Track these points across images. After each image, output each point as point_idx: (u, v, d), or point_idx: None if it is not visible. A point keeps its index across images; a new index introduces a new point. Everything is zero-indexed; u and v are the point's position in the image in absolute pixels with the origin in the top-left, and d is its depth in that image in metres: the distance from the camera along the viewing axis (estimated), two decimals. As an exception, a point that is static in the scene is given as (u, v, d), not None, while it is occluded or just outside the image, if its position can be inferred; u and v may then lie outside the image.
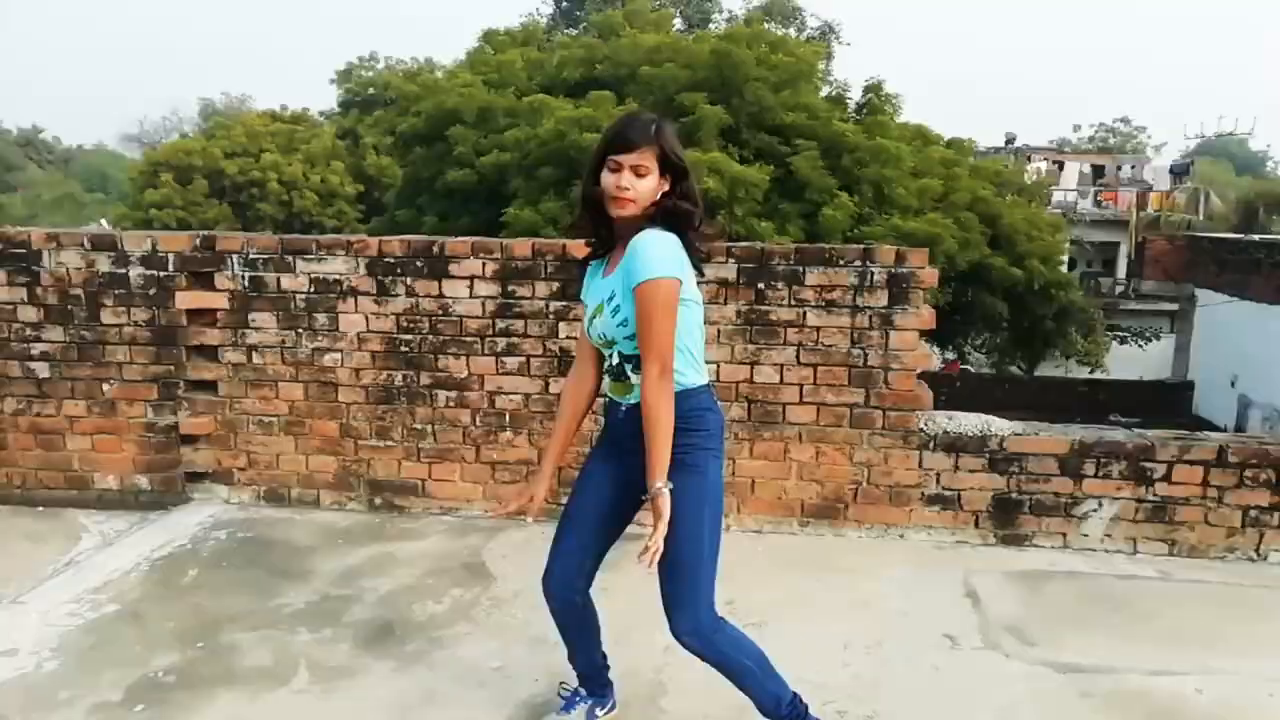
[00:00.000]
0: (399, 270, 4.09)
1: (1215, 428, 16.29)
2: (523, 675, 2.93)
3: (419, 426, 4.20)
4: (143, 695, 2.78)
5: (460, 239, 4.12)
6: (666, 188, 2.23)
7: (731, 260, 3.89)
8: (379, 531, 4.06)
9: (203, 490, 4.36)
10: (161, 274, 4.16)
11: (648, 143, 2.18)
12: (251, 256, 4.15)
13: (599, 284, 2.35)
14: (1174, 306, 21.84)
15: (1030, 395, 18.80)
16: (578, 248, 3.97)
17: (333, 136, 30.91)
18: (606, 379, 2.42)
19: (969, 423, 3.97)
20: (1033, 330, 18.26)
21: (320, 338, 4.18)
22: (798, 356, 3.93)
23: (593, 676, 2.68)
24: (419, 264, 4.08)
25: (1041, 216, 17.47)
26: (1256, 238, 18.82)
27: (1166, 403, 18.50)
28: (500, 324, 4.08)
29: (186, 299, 4.18)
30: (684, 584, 2.30)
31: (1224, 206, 27.83)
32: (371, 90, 32.32)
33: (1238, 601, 3.54)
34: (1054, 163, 31.73)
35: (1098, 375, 21.30)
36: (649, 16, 20.10)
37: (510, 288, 4.04)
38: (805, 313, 3.91)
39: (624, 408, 2.36)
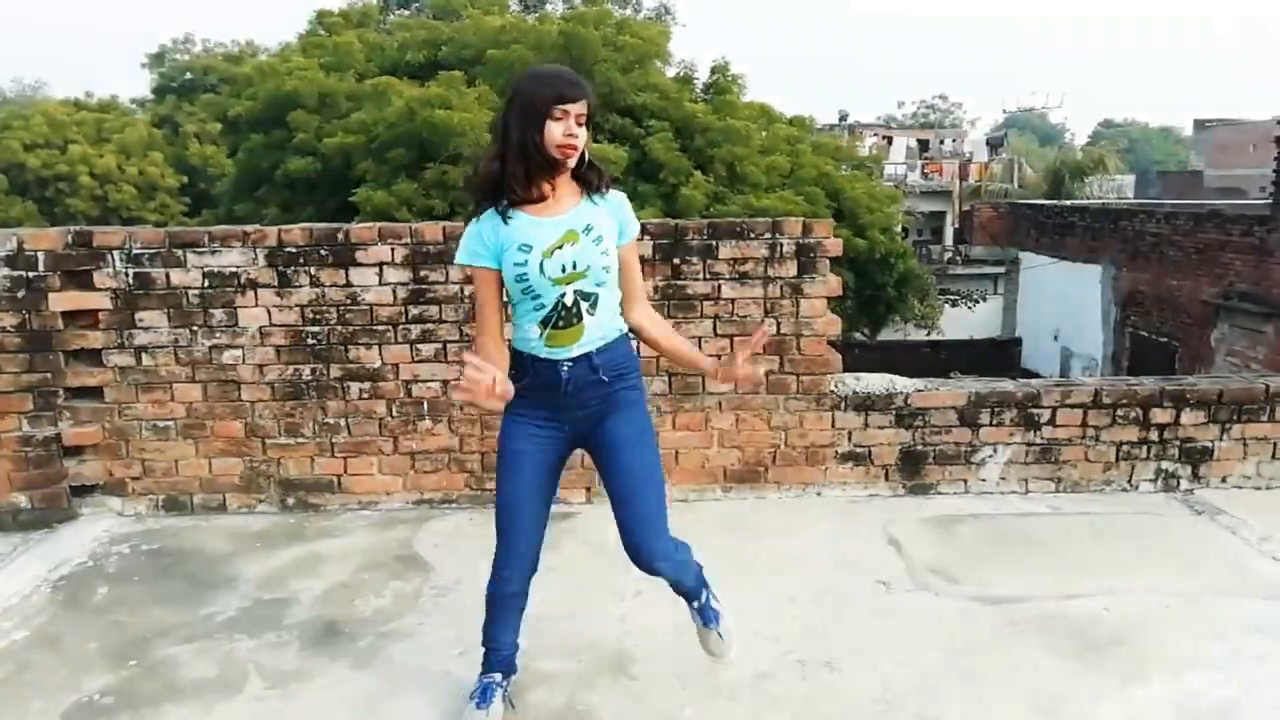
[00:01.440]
0: (301, 260, 3.93)
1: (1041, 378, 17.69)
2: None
3: (331, 421, 4.05)
4: (82, 721, 2.60)
5: (366, 224, 3.99)
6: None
7: (647, 237, 3.94)
8: (297, 532, 3.91)
9: (92, 504, 4.06)
10: (31, 274, 3.83)
11: (587, 95, 2.27)
12: (135, 252, 3.88)
13: (548, 222, 2.28)
14: (998, 270, 23.47)
15: (877, 359, 19.75)
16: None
17: (148, 125, 28.96)
18: (540, 334, 2.32)
19: (875, 383, 4.19)
20: (875, 298, 19.23)
21: (218, 334, 3.96)
22: (714, 328, 4.04)
23: (510, 656, 2.63)
24: (323, 252, 3.93)
25: (880, 190, 18.35)
26: (1069, 203, 20.48)
27: (998, 358, 19.90)
28: (413, 310, 3.98)
29: (61, 300, 3.87)
30: (662, 507, 2.48)
31: (1035, 175, 30.15)
32: (189, 75, 30.43)
33: (1120, 528, 3.90)
34: (883, 138, 33.44)
35: (934, 337, 22.66)
36: (489, -3, 19.74)
37: (422, 273, 3.96)
38: (720, 285, 4.02)
39: (566, 363, 2.33)
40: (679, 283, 4.00)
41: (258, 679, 2.81)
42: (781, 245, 4.01)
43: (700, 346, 4.05)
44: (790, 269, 4.02)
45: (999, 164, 31.19)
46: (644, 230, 3.94)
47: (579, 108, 2.24)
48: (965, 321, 24.32)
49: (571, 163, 2.28)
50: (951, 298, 24.25)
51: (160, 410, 4.00)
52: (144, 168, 27.13)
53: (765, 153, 16.62)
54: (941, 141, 36.67)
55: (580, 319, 2.32)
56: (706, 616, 2.72)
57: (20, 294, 3.83)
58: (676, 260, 3.99)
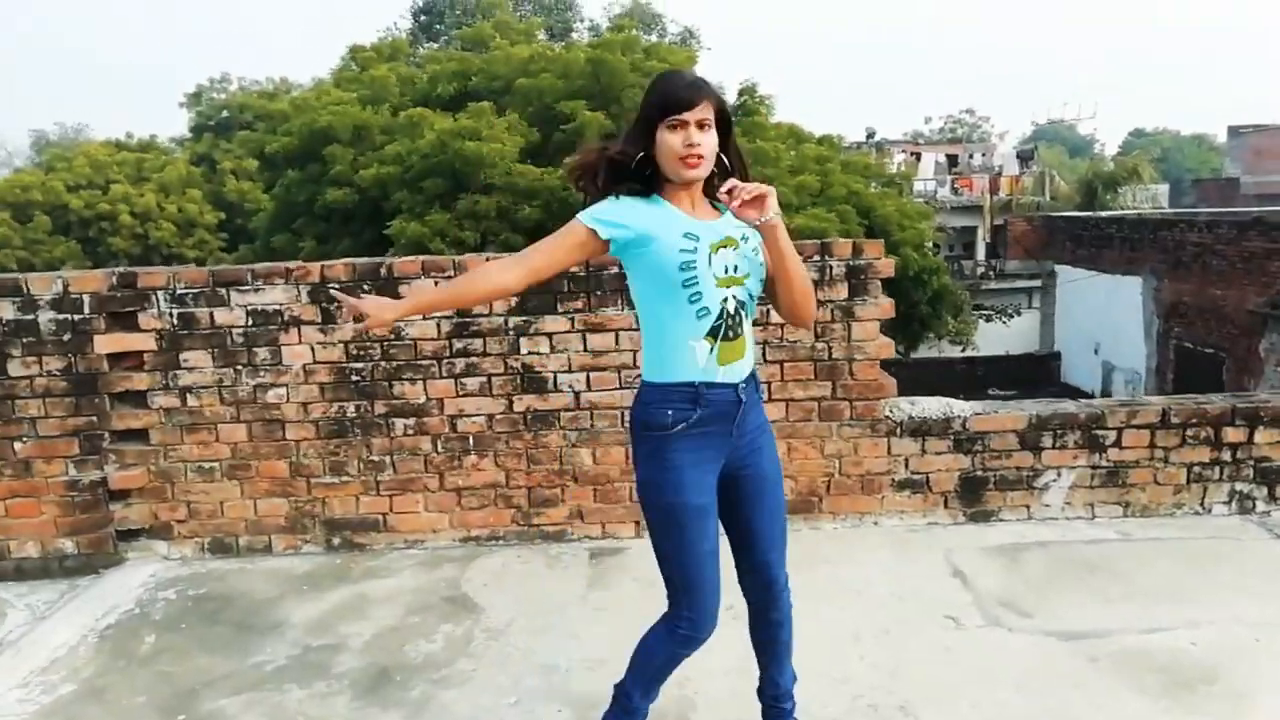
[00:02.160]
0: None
1: (1083, 393, 17.36)
2: (542, 708, 2.80)
3: (376, 458, 3.99)
4: (132, 779, 2.53)
5: (409, 259, 3.94)
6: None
7: (693, 263, 3.85)
8: (343, 573, 3.84)
9: (138, 548, 4.02)
10: (76, 318, 3.82)
11: (706, 96, 2.08)
12: (179, 292, 3.86)
13: (705, 225, 2.12)
14: (1032, 284, 23.15)
15: (913, 377, 19.54)
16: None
17: (186, 163, 29.39)
18: (711, 349, 2.11)
19: (931, 407, 4.06)
20: (909, 315, 19.02)
21: (262, 373, 3.92)
22: (764, 354, 3.93)
23: None
24: (366, 287, 3.88)
25: (910, 206, 18.18)
26: (1104, 214, 20.17)
27: (1037, 373, 19.59)
28: (457, 344, 3.92)
29: (106, 342, 3.85)
30: (784, 545, 2.39)
31: (1067, 187, 29.77)
32: (226, 113, 30.89)
33: (1195, 554, 3.73)
34: (912, 154, 33.24)
35: (970, 353, 22.36)
36: (518, 27, 19.94)
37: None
38: (769, 310, 3.91)
39: (739, 386, 2.16)
40: (727, 309, 3.90)
41: (309, 731, 2.73)
42: (831, 267, 3.90)
43: (750, 374, 3.95)
44: (841, 291, 3.91)
45: (1030, 177, 30.85)
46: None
47: (697, 114, 2.05)
48: (1000, 336, 23.99)
49: (700, 173, 2.09)
50: (986, 313, 23.94)
51: (205, 451, 3.96)
52: (183, 205, 27.53)
53: (794, 172, 16.54)
54: (970, 156, 36.37)
55: (742, 331, 2.16)
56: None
57: (66, 337, 3.82)
58: (724, 287, 3.89)
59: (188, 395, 3.92)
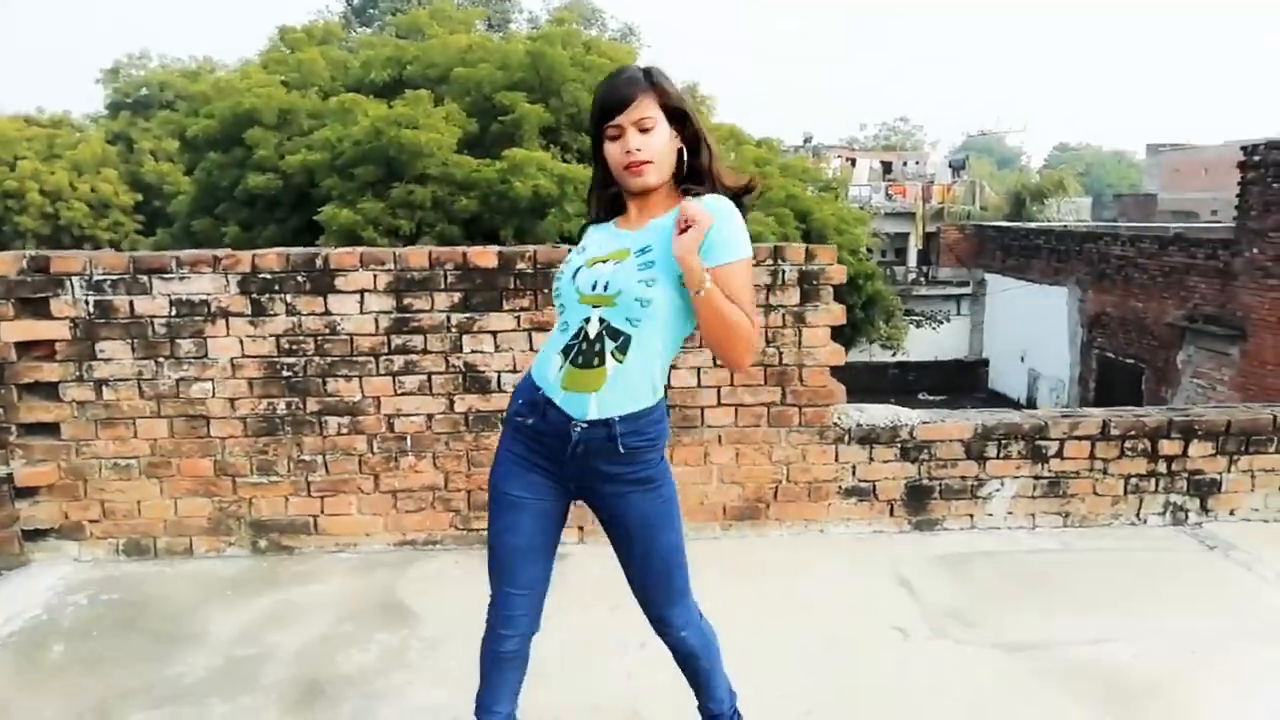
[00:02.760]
0: (277, 287, 3.69)
1: (1010, 400, 17.81)
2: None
3: (307, 458, 3.80)
4: (36, 805, 2.33)
5: (346, 250, 3.76)
6: (678, 141, 1.96)
7: (644, 262, 3.76)
8: (271, 577, 3.65)
9: (45, 549, 3.76)
10: (-19, 302, 3.55)
11: (643, 92, 1.90)
12: (96, 278, 3.62)
13: (617, 234, 1.98)
14: (961, 291, 23.64)
15: (847, 380, 19.79)
16: (479, 254, 3.76)
17: (101, 141, 28.25)
18: (558, 365, 1.96)
19: (879, 414, 4.03)
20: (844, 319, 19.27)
21: (186, 366, 3.70)
22: (714, 359, 3.86)
23: None
24: (300, 279, 3.69)
25: (848, 211, 18.38)
26: (1033, 225, 20.70)
27: (965, 379, 20.01)
28: (396, 340, 3.76)
29: (15, 330, 3.59)
30: (679, 577, 2.16)
31: (996, 197, 30.54)
32: (145, 91, 29.78)
33: (1134, 566, 3.78)
34: (847, 160, 33.70)
35: (899, 358, 22.74)
36: (456, 16, 19.60)
37: (406, 301, 3.73)
38: (720, 313, 3.83)
39: (580, 425, 1.93)
40: (677, 311, 3.81)
41: (234, 750, 2.56)
42: (784, 272, 3.85)
43: (699, 377, 3.88)
44: (793, 296, 3.86)
45: (961, 186, 31.57)
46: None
47: (634, 114, 1.89)
48: (930, 342, 24.46)
49: (648, 179, 1.92)
50: (916, 319, 24.39)
51: (122, 448, 3.72)
52: (96, 185, 26.46)
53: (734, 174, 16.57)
54: (905, 163, 37.05)
55: (602, 362, 1.90)
56: None
57: (-31, 323, 3.54)
58: (675, 288, 3.80)
59: (104, 388, 3.68)
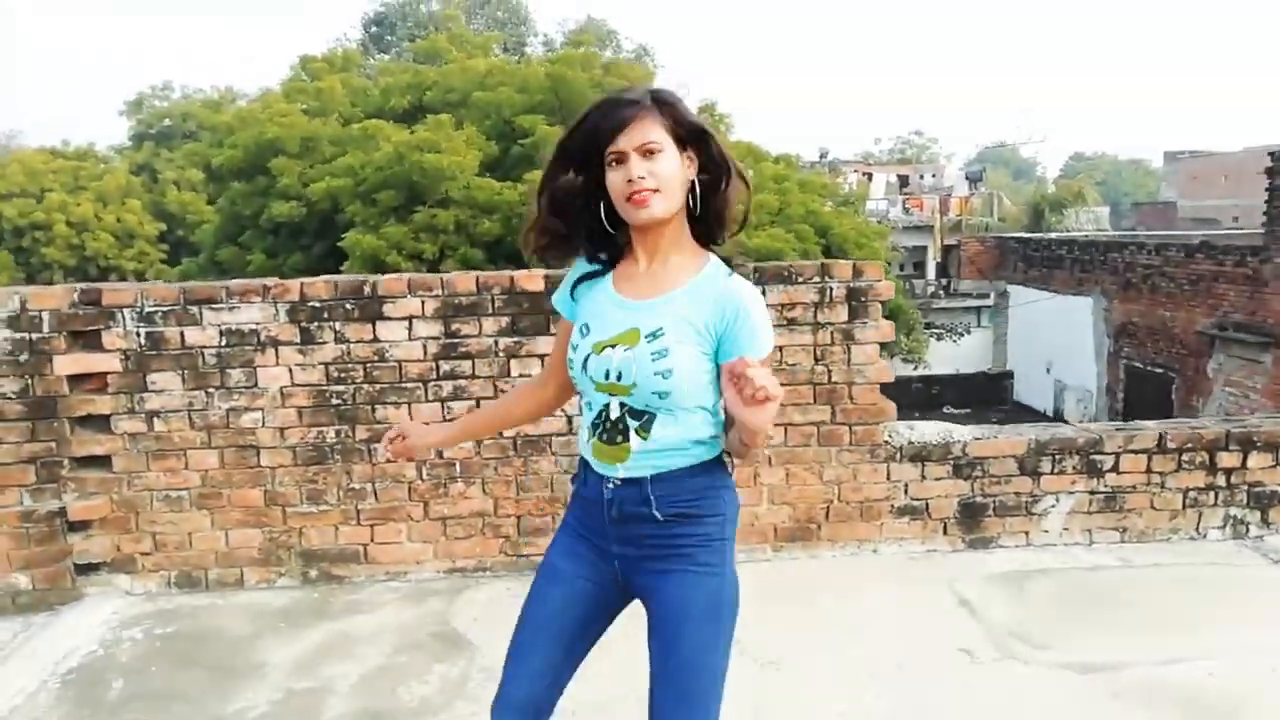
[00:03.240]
0: (325, 315, 3.69)
1: (1036, 412, 17.66)
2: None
3: (357, 486, 3.79)
4: (108, 846, 2.31)
5: (394, 276, 3.76)
6: (695, 165, 1.74)
7: (691, 283, 3.73)
8: (322, 608, 3.63)
9: (98, 583, 3.76)
10: (34, 336, 3.57)
11: (646, 111, 1.69)
12: (147, 310, 3.63)
13: (623, 305, 1.77)
14: (981, 303, 23.51)
15: (869, 395, 19.74)
16: (526, 278, 3.74)
17: (126, 173, 28.58)
18: (588, 437, 1.83)
19: (930, 431, 3.99)
20: (893, 335, 19.17)
21: (236, 396, 3.70)
22: (763, 378, 3.82)
23: None
24: (348, 306, 3.69)
25: (867, 225, 18.34)
26: (1055, 236, 20.59)
27: (990, 392, 19.85)
28: (445, 366, 3.75)
29: (67, 363, 3.60)
30: (701, 701, 1.74)
31: (1014, 209, 30.43)
32: (168, 121, 30.14)
33: (1197, 581, 3.71)
34: (864, 174, 33.68)
35: (922, 371, 22.62)
36: (473, 40, 19.78)
37: (454, 326, 3.73)
38: (768, 333, 3.81)
39: (613, 483, 1.78)
40: (726, 331, 3.78)
41: (302, 786, 2.53)
42: (831, 289, 3.82)
43: (749, 398, 3.83)
44: (841, 314, 3.83)
45: (978, 198, 31.47)
46: (688, 277, 3.73)
47: (635, 137, 1.67)
48: (951, 355, 24.31)
49: (655, 211, 1.68)
50: (937, 331, 24.26)
51: (173, 479, 3.72)
52: (121, 215, 26.73)
53: (754, 191, 16.58)
54: (921, 176, 37.01)
55: (626, 439, 1.75)
56: None
57: (23, 357, 3.56)
58: (722, 308, 3.78)
59: (155, 419, 3.69)
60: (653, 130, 1.68)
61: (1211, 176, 33.44)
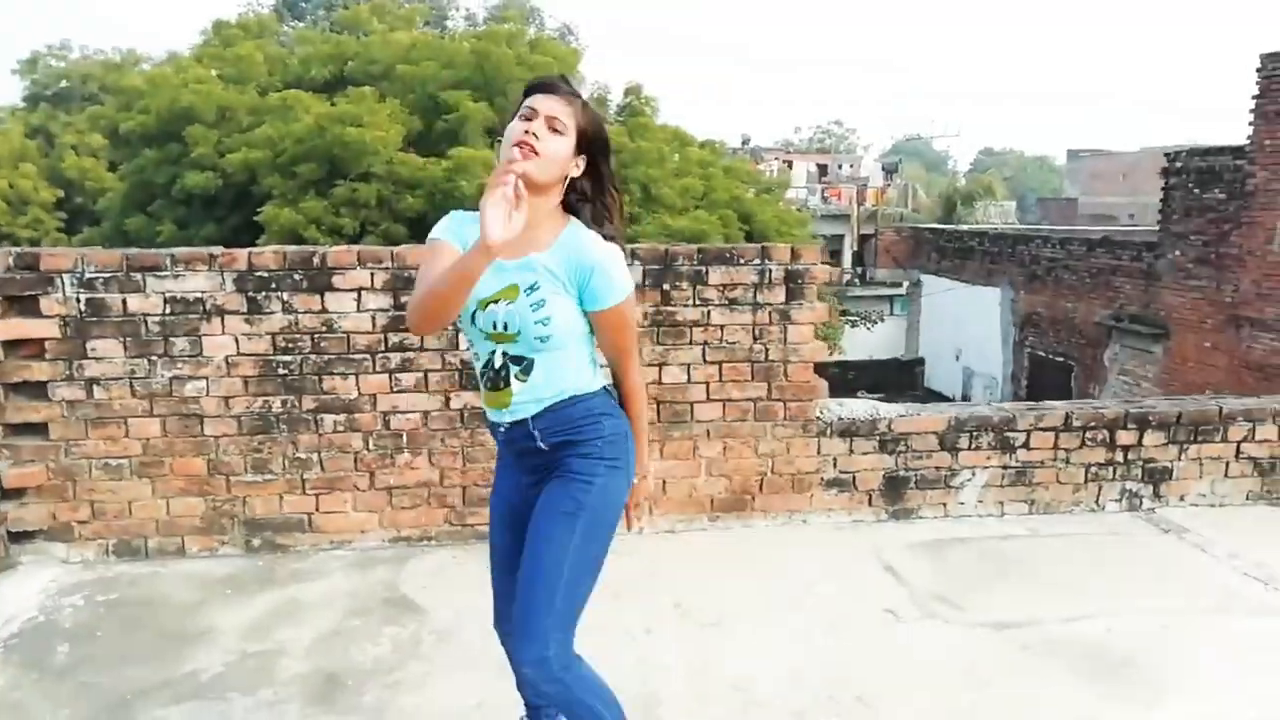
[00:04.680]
0: (273, 285, 3.70)
1: (945, 398, 18.34)
2: (507, 707, 2.72)
3: (303, 455, 3.82)
4: (71, 801, 2.34)
5: (344, 248, 3.79)
6: (580, 169, 2.00)
7: (637, 262, 3.87)
8: (269, 576, 3.66)
9: (33, 551, 3.71)
10: (-33, 300, 3.49)
11: (571, 98, 1.95)
12: (88, 276, 3.58)
13: (493, 269, 1.87)
14: (894, 291, 24.26)
15: (785, 379, 20.20)
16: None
17: (20, 135, 27.12)
18: (482, 388, 2.08)
19: (859, 409, 4.21)
20: (827, 316, 19.58)
21: (180, 365, 3.68)
22: (704, 355, 3.99)
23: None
24: (296, 277, 3.71)
25: (789, 213, 18.73)
26: (967, 228, 21.34)
27: (902, 378, 20.53)
28: (393, 338, 3.80)
29: (3, 329, 3.54)
30: (538, 603, 1.96)
31: (927, 200, 31.40)
32: (65, 82, 28.72)
33: (1098, 549, 4.01)
34: (785, 162, 34.26)
35: (837, 357, 23.23)
36: (397, 13, 19.40)
37: (403, 299, 3.77)
38: (710, 312, 3.97)
39: (504, 426, 2.06)
40: (669, 309, 3.93)
41: (263, 742, 2.59)
42: (770, 271, 3.99)
43: (689, 374, 4.00)
44: (779, 295, 4.00)
45: (894, 189, 32.36)
46: (633, 255, 3.86)
47: (552, 107, 1.92)
48: (865, 341, 25.01)
49: (527, 166, 1.84)
50: (852, 319, 24.93)
51: (113, 447, 3.69)
52: (14, 180, 25.37)
53: (679, 175, 16.77)
54: (840, 166, 37.84)
55: (507, 384, 2.01)
56: None
57: (-46, 322, 3.48)
58: (666, 286, 3.92)
59: (95, 387, 3.65)
60: (567, 115, 1.94)
61: (1110, 175, 35.03)
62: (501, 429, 2.08)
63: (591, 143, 2.00)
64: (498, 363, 2.01)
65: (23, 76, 29.82)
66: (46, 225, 26.22)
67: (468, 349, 2.13)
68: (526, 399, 2.02)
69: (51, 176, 26.77)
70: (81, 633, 3.19)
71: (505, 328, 1.96)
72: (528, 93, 1.98)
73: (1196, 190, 12.61)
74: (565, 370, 2.02)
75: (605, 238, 2.02)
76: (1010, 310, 17.26)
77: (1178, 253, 12.96)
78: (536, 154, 1.89)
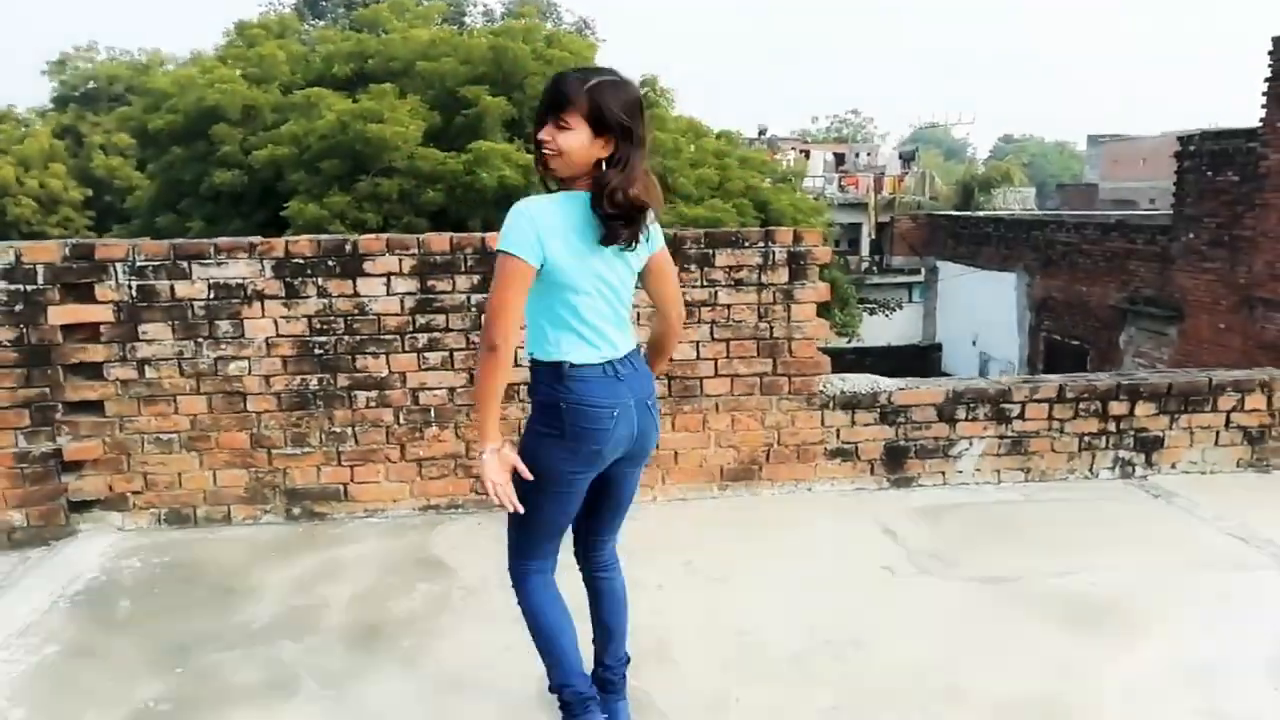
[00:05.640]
0: (309, 271, 3.97)
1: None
2: (533, 653, 3.00)
3: (338, 430, 4.09)
4: (143, 728, 2.62)
5: (374, 236, 4.05)
6: (609, 148, 2.12)
7: (648, 245, 4.10)
8: (309, 540, 3.94)
9: (91, 520, 4.01)
10: (29, 288, 3.78)
11: (575, 96, 2.08)
12: (139, 264, 3.87)
13: (579, 248, 2.22)
14: (912, 279, 24.34)
15: (803, 366, 20.36)
16: (496, 239, 4.06)
17: (49, 136, 27.69)
18: (594, 337, 2.30)
19: (861, 382, 4.43)
20: (829, 295, 19.71)
21: (224, 346, 3.96)
22: (711, 333, 4.22)
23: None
24: (330, 263, 3.98)
25: (805, 201, 18.87)
26: (982, 214, 21.39)
27: (919, 364, 20.62)
28: (420, 320, 4.06)
29: (61, 314, 3.83)
30: (506, 529, 2.42)
31: (945, 188, 31.41)
32: (93, 84, 29.26)
33: (1089, 512, 4.22)
34: (801, 151, 34.35)
35: (854, 344, 23.36)
36: (415, 10, 19.68)
37: (429, 283, 4.04)
38: (717, 292, 4.20)
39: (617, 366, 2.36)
40: (679, 290, 4.16)
41: (311, 681, 2.86)
42: (774, 253, 4.22)
43: (698, 351, 4.24)
44: (782, 276, 4.23)
45: (911, 177, 32.39)
46: (645, 240, 4.08)
47: (559, 111, 2.10)
48: (883, 328, 25.11)
49: (551, 165, 2.12)
50: (870, 306, 25.03)
51: (163, 423, 3.98)
52: (45, 180, 25.97)
53: (695, 165, 16.97)
54: (857, 155, 37.90)
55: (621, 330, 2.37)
56: None
57: (18, 307, 3.77)
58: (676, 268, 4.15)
59: (146, 367, 3.94)
60: (570, 112, 2.09)
61: (1131, 159, 34.86)
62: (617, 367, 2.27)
63: (599, 124, 2.09)
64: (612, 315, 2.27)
65: (51, 78, 30.40)
66: (76, 223, 26.81)
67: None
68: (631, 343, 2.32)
69: (80, 176, 27.34)
70: (140, 589, 3.48)
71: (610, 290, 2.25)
72: (540, 105, 2.15)
73: (1210, 173, 12.67)
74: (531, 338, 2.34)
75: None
76: (1025, 295, 17.36)
77: (1191, 235, 13.03)
78: (556, 154, 2.11)
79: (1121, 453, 4.60)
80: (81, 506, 4.00)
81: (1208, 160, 12.72)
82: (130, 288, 3.87)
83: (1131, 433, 4.59)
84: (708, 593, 3.42)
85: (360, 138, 14.15)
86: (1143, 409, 4.58)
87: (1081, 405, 4.53)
